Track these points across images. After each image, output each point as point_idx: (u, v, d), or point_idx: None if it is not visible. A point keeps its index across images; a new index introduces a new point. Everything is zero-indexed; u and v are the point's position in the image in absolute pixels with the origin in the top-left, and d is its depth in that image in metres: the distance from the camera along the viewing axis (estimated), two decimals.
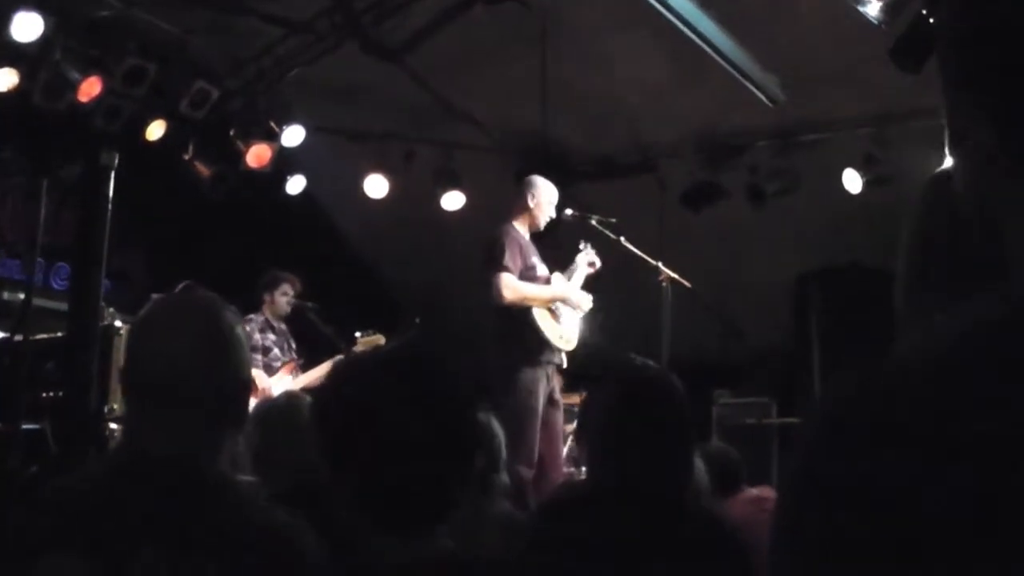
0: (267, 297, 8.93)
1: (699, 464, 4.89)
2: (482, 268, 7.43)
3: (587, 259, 8.02)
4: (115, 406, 7.06)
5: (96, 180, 6.54)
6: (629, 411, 3.22)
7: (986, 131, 1.00)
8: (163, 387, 2.32)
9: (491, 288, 7.33)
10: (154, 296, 2.58)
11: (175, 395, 2.32)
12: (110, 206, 6.57)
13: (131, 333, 2.52)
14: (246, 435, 3.87)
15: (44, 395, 7.28)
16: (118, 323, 7.53)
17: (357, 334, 9.03)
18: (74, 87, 8.35)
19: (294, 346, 9.09)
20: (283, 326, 9.08)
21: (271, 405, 4.10)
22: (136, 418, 2.44)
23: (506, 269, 7.33)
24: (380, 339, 9.00)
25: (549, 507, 3.78)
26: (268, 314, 8.92)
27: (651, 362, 3.60)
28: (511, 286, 7.32)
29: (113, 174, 6.59)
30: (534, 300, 7.38)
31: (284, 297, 8.99)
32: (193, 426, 2.32)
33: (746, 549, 3.26)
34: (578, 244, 8.12)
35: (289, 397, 4.16)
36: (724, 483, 6.19)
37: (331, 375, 2.47)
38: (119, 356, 7.16)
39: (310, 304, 9.06)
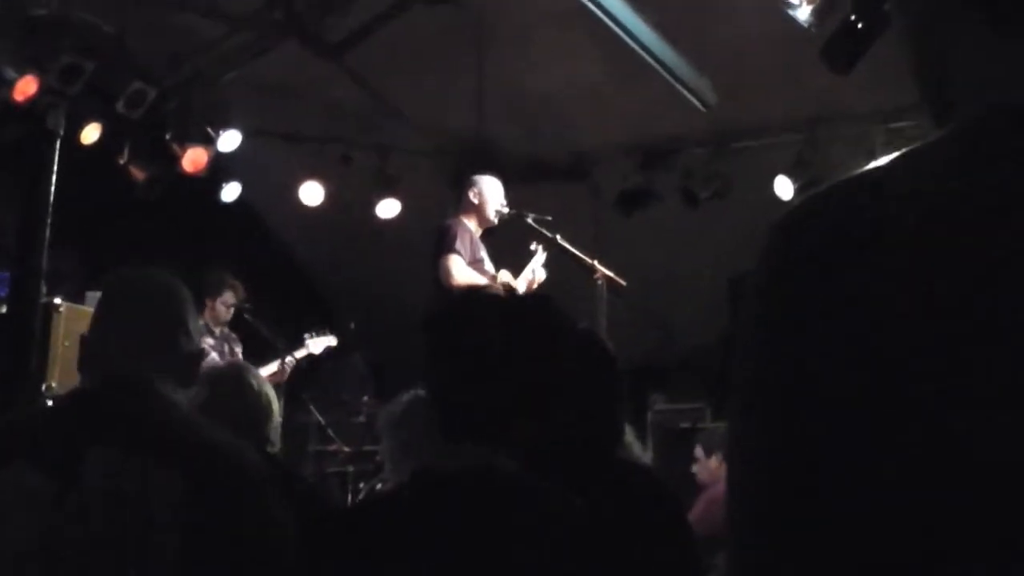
0: (208, 302, 8.85)
1: (639, 448, 4.96)
2: (432, 255, 7.48)
3: (537, 263, 8.06)
4: (53, 384, 7.01)
5: (41, 143, 6.50)
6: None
7: None
8: (120, 369, 2.51)
9: (438, 271, 7.37)
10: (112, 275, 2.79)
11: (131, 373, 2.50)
12: (55, 172, 6.51)
13: (95, 312, 2.74)
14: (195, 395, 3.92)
15: None
16: (57, 300, 7.47)
17: (306, 335, 9.07)
18: (10, 85, 8.30)
19: (238, 350, 9.03)
20: (225, 330, 9.02)
21: (219, 370, 4.14)
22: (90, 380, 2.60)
23: (456, 252, 7.37)
24: (331, 340, 9.06)
25: None
26: (207, 318, 8.85)
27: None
28: (460, 269, 7.35)
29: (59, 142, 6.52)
30: None
31: (224, 306, 8.95)
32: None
33: (679, 504, 3.33)
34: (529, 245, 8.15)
35: (232, 364, 4.21)
36: None
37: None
38: (58, 334, 7.13)
39: (247, 305, 9.03)
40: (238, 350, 9.03)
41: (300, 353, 9.06)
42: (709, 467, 6.81)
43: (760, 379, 1.02)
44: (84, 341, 2.63)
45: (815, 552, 0.95)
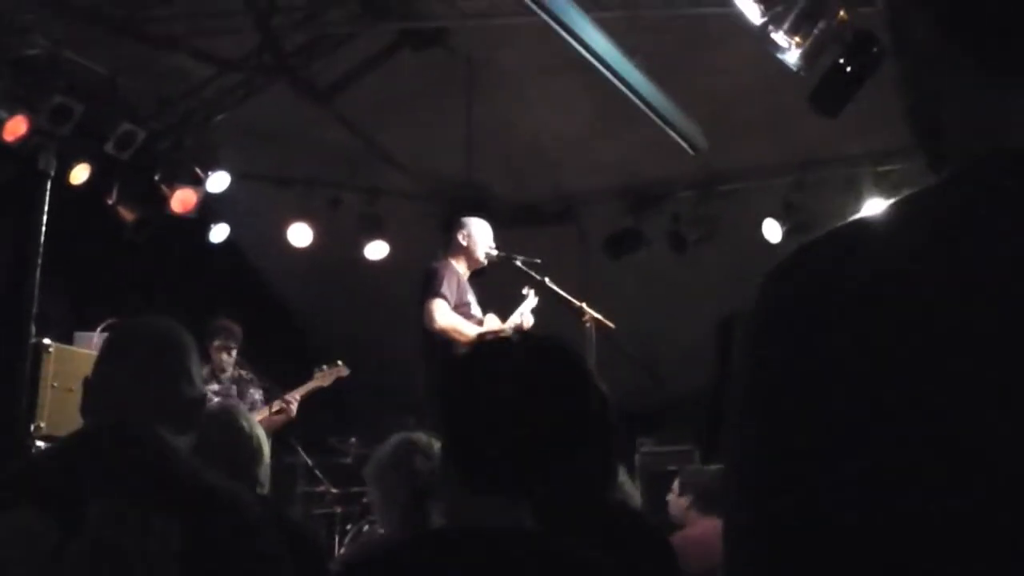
0: (209, 350, 8.77)
1: (631, 486, 4.96)
2: (419, 297, 7.49)
3: (527, 307, 8.06)
4: (42, 424, 6.99)
5: (32, 184, 6.50)
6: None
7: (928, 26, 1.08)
8: (121, 414, 2.55)
9: (423, 315, 7.38)
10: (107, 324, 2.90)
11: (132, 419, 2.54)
12: (46, 212, 6.50)
13: (99, 356, 2.77)
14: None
15: None
16: (47, 341, 7.44)
17: (315, 369, 9.03)
18: (0, 125, 8.30)
19: (252, 391, 8.97)
20: (238, 373, 8.94)
21: (209, 413, 4.13)
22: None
23: (442, 296, 7.38)
24: (343, 371, 9.02)
25: None
26: (212, 365, 8.78)
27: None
28: (444, 312, 7.37)
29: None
30: (461, 335, 7.39)
31: (221, 353, 8.88)
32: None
33: (673, 551, 3.32)
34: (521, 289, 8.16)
35: (222, 406, 4.21)
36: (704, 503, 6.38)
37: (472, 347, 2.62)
38: (48, 375, 7.11)
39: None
40: (253, 391, 8.97)
41: (308, 387, 8.98)
42: (679, 504, 6.79)
43: (759, 382, 1.02)
44: (87, 385, 2.65)
45: (815, 553, 0.95)
